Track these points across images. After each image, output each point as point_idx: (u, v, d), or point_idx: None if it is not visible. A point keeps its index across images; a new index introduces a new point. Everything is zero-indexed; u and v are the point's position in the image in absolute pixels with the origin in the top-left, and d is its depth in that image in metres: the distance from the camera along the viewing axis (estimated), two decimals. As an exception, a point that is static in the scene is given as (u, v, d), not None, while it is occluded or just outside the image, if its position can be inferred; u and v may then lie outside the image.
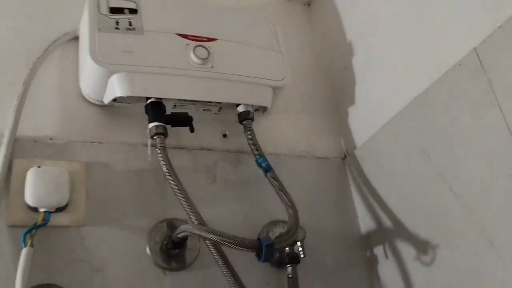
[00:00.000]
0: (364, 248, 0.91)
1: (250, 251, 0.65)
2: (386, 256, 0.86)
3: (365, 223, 0.92)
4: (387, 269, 0.86)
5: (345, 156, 1.00)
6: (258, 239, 0.65)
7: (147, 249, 0.76)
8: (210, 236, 0.65)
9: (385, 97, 0.89)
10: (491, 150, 0.67)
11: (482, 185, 0.68)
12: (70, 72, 0.85)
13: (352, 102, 1.00)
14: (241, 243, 0.65)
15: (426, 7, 0.80)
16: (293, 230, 0.73)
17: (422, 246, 0.78)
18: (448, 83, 0.74)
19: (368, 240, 0.91)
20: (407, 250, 0.81)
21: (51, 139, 0.79)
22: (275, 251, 0.65)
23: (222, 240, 0.65)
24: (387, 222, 0.86)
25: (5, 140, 0.73)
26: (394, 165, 0.86)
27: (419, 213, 0.79)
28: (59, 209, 0.71)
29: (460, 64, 0.72)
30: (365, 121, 0.96)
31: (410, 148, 0.82)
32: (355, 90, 0.99)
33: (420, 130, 0.80)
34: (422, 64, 0.81)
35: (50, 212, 0.70)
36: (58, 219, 0.72)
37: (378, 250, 0.88)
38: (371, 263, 0.90)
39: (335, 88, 1.06)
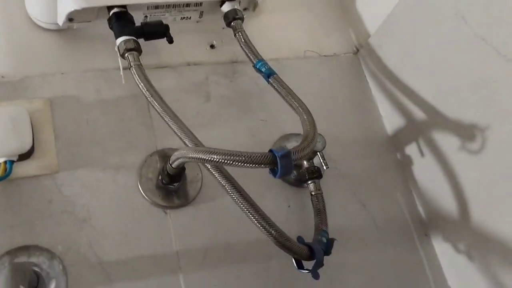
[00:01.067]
0: (393, 150, 0.78)
1: (262, 166, 0.52)
2: (422, 154, 0.73)
3: (391, 121, 0.79)
4: (423, 168, 0.73)
5: (358, 50, 0.85)
6: (270, 151, 0.52)
7: (140, 188, 0.63)
8: (211, 157, 0.52)
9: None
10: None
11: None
12: (11, -4, 0.70)
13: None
14: (250, 159, 0.51)
15: None
16: (311, 136, 0.59)
17: (468, 132, 0.64)
18: None
19: (397, 140, 0.78)
20: (447, 141, 0.68)
21: (2, 77, 0.64)
22: (292, 162, 0.52)
23: (226, 160, 0.51)
24: (418, 113, 0.73)
25: None
26: (421, 42, 0.70)
27: (460, 91, 0.65)
28: (24, 156, 0.58)
29: None
30: (376, 2, 0.80)
31: (440, 15, 0.66)
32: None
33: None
34: None
35: (12, 162, 0.57)
36: (24, 169, 0.59)
37: (411, 149, 0.75)
38: (404, 165, 0.77)
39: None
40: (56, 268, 0.55)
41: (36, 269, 0.53)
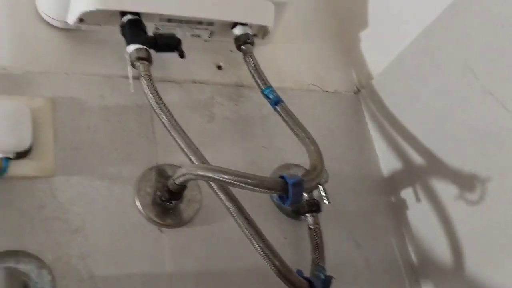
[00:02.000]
0: (388, 192, 0.79)
1: (273, 192, 0.51)
2: (417, 199, 0.74)
3: (388, 163, 0.80)
4: (418, 213, 0.74)
5: (359, 90, 0.86)
6: (282, 177, 0.51)
7: (137, 202, 0.61)
8: (221, 176, 0.50)
9: (410, 9, 0.75)
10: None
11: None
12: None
13: (363, 25, 0.85)
14: (262, 183, 0.50)
15: None
16: (320, 168, 0.59)
17: (467, 181, 0.65)
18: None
19: (393, 183, 0.78)
20: (445, 189, 0.69)
21: (5, 69, 0.62)
22: (303, 191, 0.52)
23: (236, 180, 0.50)
24: (417, 158, 0.74)
25: None
26: (426, 88, 0.72)
27: (462, 142, 0.66)
28: (21, 155, 0.55)
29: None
30: (382, 45, 0.82)
31: (448, 64, 0.68)
32: (368, 8, 0.84)
33: (460, 42, 0.66)
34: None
35: (9, 159, 0.53)
36: (20, 168, 0.55)
37: (406, 193, 0.76)
38: (398, 208, 0.77)
39: (342, 10, 0.91)
40: (44, 278, 0.51)
41: (24, 278, 0.49)
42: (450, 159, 0.69)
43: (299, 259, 0.65)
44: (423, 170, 0.73)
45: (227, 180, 0.51)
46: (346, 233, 0.72)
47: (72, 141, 0.60)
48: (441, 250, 0.69)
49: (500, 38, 0.61)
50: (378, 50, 0.84)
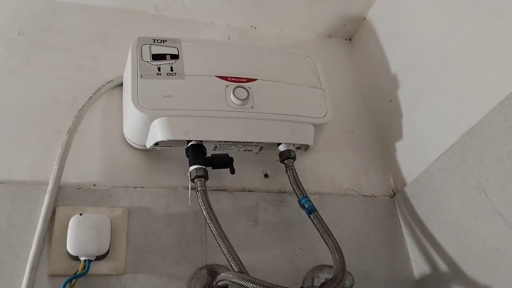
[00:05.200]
0: (418, 294, 0.85)
1: (293, 301, 0.61)
2: (443, 304, 0.79)
3: (418, 266, 0.86)
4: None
5: (394, 194, 0.95)
6: (302, 287, 0.62)
7: (188, 298, 0.74)
8: (250, 285, 0.62)
9: (435, 130, 0.84)
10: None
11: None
12: (114, 119, 0.87)
13: (399, 137, 0.95)
14: (283, 294, 0.61)
15: (475, 33, 0.76)
16: (340, 278, 0.69)
17: (483, 294, 0.71)
18: (504, 113, 0.69)
19: (422, 285, 0.85)
20: (465, 298, 0.75)
21: (94, 185, 0.79)
22: (319, 301, 0.62)
23: (262, 290, 0.62)
24: (442, 265, 0.80)
25: (49, 188, 0.75)
26: (448, 202, 0.80)
27: (477, 255, 0.73)
28: (100, 257, 0.71)
29: (516, 93, 0.67)
30: (415, 156, 0.91)
31: (464, 184, 0.76)
32: (402, 124, 0.94)
33: (475, 165, 0.74)
34: (474, 94, 0.76)
35: (91, 261, 0.70)
36: (98, 268, 0.71)
37: (434, 297, 0.82)
38: (427, 311, 0.83)
39: (380, 123, 1.02)
40: None
41: None
42: (469, 270, 0.75)
43: None
44: (448, 277, 0.79)
45: (255, 289, 0.62)
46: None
47: (140, 244, 0.76)
48: None
49: (507, 166, 0.69)
50: (412, 159, 0.93)
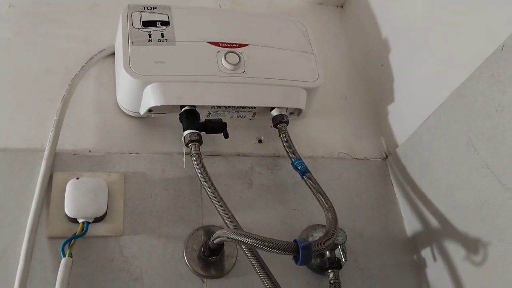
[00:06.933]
0: (410, 251, 0.87)
1: (287, 253, 0.63)
2: (434, 259, 0.81)
3: (411, 224, 0.88)
4: (435, 272, 0.81)
5: (387, 156, 0.96)
6: (295, 241, 0.63)
7: (185, 257, 0.76)
8: (245, 240, 0.64)
9: (425, 90, 0.85)
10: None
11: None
12: (107, 87, 0.88)
13: (391, 99, 0.96)
14: (277, 246, 0.63)
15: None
16: (332, 232, 0.70)
17: (472, 245, 0.73)
18: (491, 68, 0.70)
19: (415, 243, 0.87)
20: (455, 250, 0.77)
21: (90, 151, 0.81)
22: (312, 253, 0.63)
23: (257, 244, 0.63)
24: (433, 221, 0.82)
25: (45, 154, 0.76)
26: (439, 160, 0.81)
27: (467, 209, 0.74)
28: (98, 219, 0.73)
29: (502, 48, 0.67)
30: (406, 118, 0.92)
31: (454, 141, 0.77)
32: (394, 87, 0.95)
33: (464, 121, 0.75)
34: (462, 53, 0.77)
35: (89, 223, 0.71)
36: (96, 230, 0.73)
37: (426, 253, 0.84)
38: (419, 266, 0.85)
39: (372, 87, 1.03)
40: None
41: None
42: (459, 224, 0.76)
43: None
44: (438, 232, 0.81)
45: (250, 243, 0.64)
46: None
47: (137, 207, 0.77)
48: (454, 307, 0.76)
49: (494, 119, 0.70)
50: (403, 121, 0.94)
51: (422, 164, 0.86)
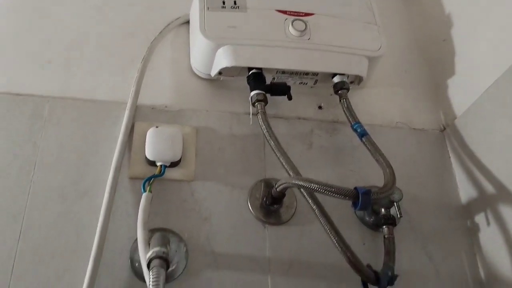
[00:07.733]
0: (464, 217, 0.89)
1: (347, 198, 0.67)
2: (488, 223, 0.83)
3: (466, 192, 0.90)
4: (488, 236, 0.83)
5: (444, 128, 0.98)
6: (355, 188, 0.68)
7: (249, 204, 0.82)
8: (309, 184, 0.69)
9: (485, 64, 0.87)
10: None
11: None
12: (181, 51, 0.96)
13: (451, 73, 0.98)
14: (339, 191, 0.67)
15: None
16: (390, 186, 0.74)
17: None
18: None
19: (469, 209, 0.89)
20: (510, 215, 0.78)
21: (166, 107, 0.88)
22: (371, 200, 0.67)
23: (319, 188, 0.68)
24: (490, 188, 0.84)
25: (128, 105, 0.84)
26: (497, 129, 0.83)
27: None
28: (173, 164, 0.80)
29: None
30: (465, 91, 0.94)
31: (513, 109, 0.79)
32: (455, 61, 0.97)
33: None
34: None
35: (166, 166, 0.79)
36: (172, 173, 0.80)
37: (480, 218, 0.85)
38: (472, 231, 0.87)
39: (432, 61, 1.05)
40: (182, 249, 0.75)
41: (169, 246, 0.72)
42: (516, 189, 0.78)
43: (374, 263, 0.78)
44: (494, 199, 0.83)
45: (313, 188, 0.69)
46: (420, 247, 0.84)
47: (207, 158, 0.85)
48: (507, 269, 0.78)
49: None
50: (462, 93, 0.96)
51: (481, 133, 0.88)
